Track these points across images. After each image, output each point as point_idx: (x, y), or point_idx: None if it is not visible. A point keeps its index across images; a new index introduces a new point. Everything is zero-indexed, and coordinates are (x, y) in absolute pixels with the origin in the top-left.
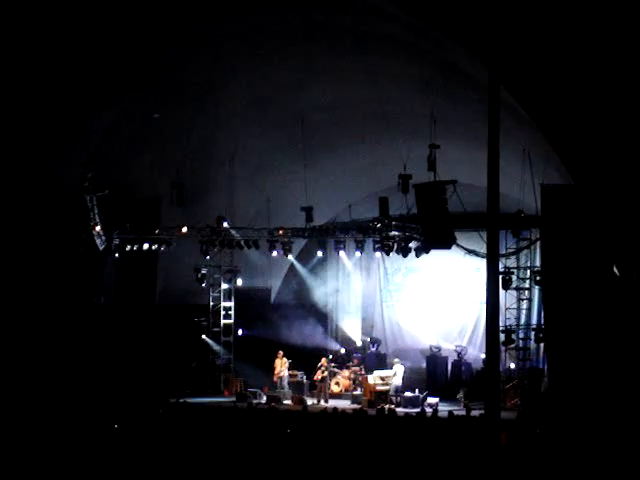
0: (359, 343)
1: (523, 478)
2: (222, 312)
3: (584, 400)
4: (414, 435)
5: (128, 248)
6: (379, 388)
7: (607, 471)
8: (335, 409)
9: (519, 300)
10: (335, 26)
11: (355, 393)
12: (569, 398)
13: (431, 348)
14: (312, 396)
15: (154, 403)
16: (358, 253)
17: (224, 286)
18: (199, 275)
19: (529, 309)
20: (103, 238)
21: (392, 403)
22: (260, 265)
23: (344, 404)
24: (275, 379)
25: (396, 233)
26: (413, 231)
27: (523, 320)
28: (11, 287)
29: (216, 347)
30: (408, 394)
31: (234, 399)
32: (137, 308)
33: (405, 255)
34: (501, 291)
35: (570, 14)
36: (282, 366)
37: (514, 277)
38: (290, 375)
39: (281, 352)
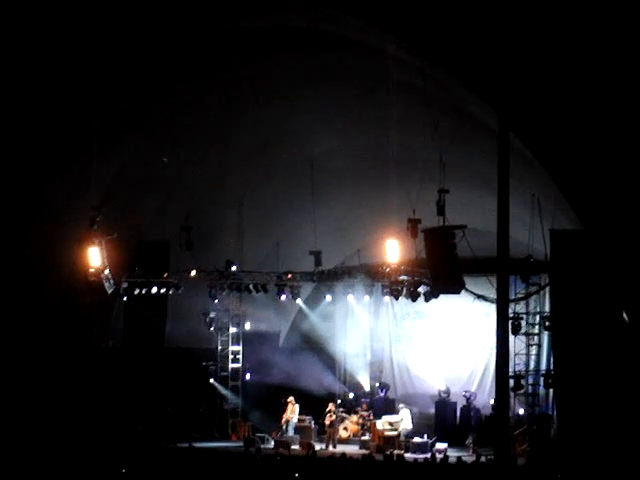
0: (367, 388)
1: None
2: (230, 356)
3: (594, 446)
4: None
5: (137, 292)
6: (388, 433)
7: None
8: (343, 455)
9: (528, 345)
10: (344, 70)
11: (364, 438)
12: (579, 444)
13: (440, 393)
14: (320, 441)
15: (162, 447)
16: (367, 297)
17: (232, 330)
18: (207, 319)
19: (538, 354)
20: (111, 282)
21: (401, 448)
22: (268, 309)
23: (352, 449)
24: (282, 422)
25: (405, 278)
26: (422, 276)
27: (532, 366)
28: (19, 332)
29: (224, 391)
30: (417, 439)
31: (242, 444)
32: (145, 352)
33: (414, 300)
34: (510, 336)
35: (579, 61)
36: (292, 412)
37: (523, 322)
38: (298, 420)
39: (292, 397)
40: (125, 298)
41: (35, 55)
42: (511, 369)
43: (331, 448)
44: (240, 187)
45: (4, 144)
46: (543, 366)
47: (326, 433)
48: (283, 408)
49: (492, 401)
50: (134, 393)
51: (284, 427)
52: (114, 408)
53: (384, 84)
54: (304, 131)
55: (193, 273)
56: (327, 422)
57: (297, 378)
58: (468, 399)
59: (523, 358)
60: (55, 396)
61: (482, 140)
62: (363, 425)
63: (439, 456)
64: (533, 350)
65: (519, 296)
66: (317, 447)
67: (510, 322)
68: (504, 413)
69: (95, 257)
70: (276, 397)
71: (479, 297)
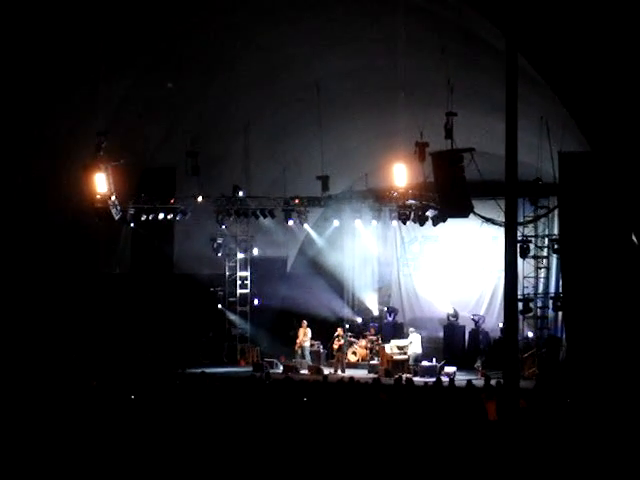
0: (376, 312)
1: (541, 447)
2: (238, 282)
3: (602, 368)
4: (431, 404)
5: (143, 218)
6: (396, 357)
7: (624, 439)
8: (352, 379)
9: (537, 269)
10: None
11: (372, 362)
12: (587, 367)
13: (448, 317)
14: (329, 366)
15: (171, 373)
16: (375, 222)
17: (240, 256)
18: (215, 245)
19: (547, 277)
20: (118, 208)
21: (409, 372)
22: (276, 234)
23: (361, 374)
24: (297, 347)
25: (413, 202)
26: (430, 200)
27: (541, 289)
28: (27, 259)
29: (232, 317)
30: (425, 363)
31: (251, 369)
32: (153, 278)
33: (422, 224)
34: (519, 260)
35: None
36: (304, 335)
37: (532, 245)
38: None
39: (305, 322)
40: (132, 224)
41: None
42: (520, 292)
43: (340, 373)
44: (246, 112)
45: (10, 68)
46: (552, 289)
47: (335, 358)
48: (295, 332)
49: (501, 324)
50: (142, 319)
51: (299, 352)
52: (122, 335)
53: (391, 6)
54: (310, 55)
55: (200, 199)
56: (335, 347)
57: (305, 303)
58: (477, 322)
59: (532, 281)
60: (63, 322)
61: (490, 63)
62: (372, 349)
63: (445, 379)
64: (542, 273)
65: (528, 219)
66: (326, 372)
67: (519, 245)
68: (513, 336)
69: (101, 183)
70: (284, 322)
71: (487, 220)
